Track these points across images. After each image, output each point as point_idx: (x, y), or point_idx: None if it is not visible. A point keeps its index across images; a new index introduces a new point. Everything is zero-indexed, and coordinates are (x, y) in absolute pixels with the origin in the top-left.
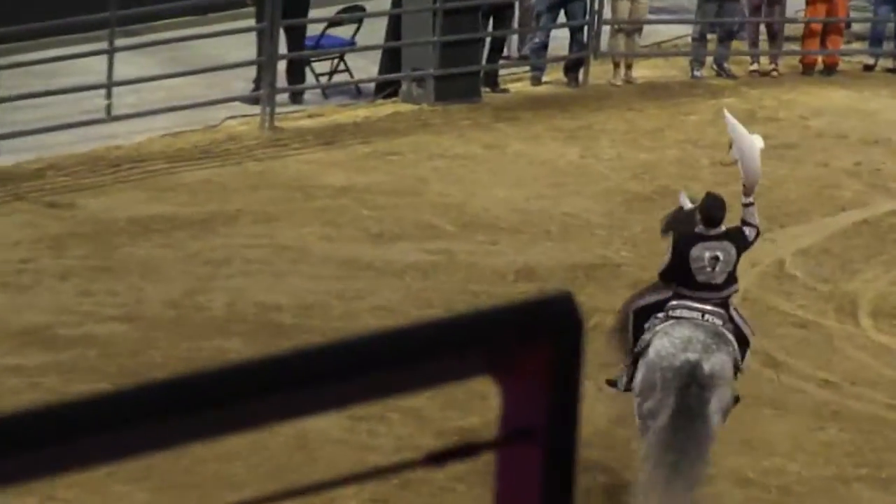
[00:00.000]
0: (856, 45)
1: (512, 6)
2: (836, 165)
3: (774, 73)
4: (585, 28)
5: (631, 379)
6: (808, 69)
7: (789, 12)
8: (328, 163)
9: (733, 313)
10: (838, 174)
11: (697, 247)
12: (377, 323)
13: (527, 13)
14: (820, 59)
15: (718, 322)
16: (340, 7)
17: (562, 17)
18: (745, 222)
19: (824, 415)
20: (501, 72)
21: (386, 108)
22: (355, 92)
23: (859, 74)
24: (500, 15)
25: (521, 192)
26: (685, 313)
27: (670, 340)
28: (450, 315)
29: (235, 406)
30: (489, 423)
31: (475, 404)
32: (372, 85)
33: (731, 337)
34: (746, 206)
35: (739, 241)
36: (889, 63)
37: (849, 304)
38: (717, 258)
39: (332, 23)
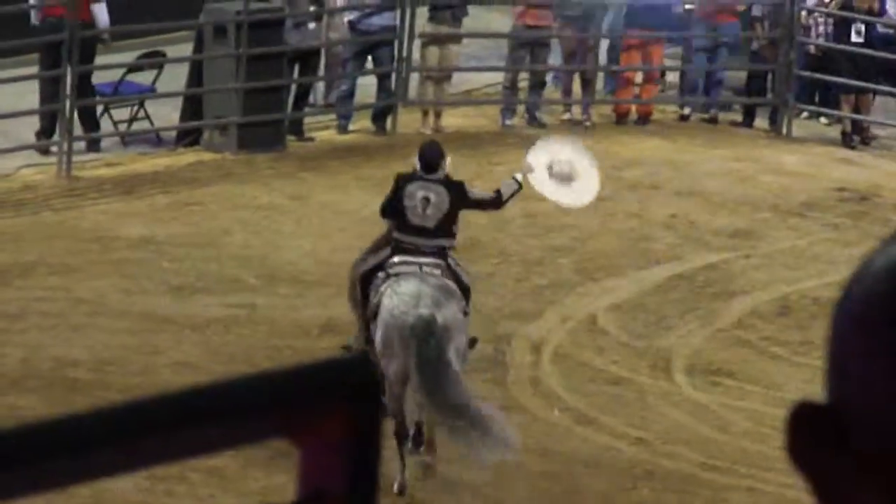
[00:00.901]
0: (670, 94)
1: (318, 53)
2: (649, 217)
3: (587, 123)
4: (393, 75)
5: (367, 340)
6: (621, 119)
7: (602, 60)
8: (127, 213)
9: (451, 263)
10: (652, 226)
11: (413, 184)
12: (177, 378)
13: (333, 60)
14: (634, 108)
15: (437, 273)
16: (140, 52)
17: (369, 64)
18: (496, 191)
19: (637, 474)
20: (307, 120)
21: (187, 156)
22: (156, 140)
23: (673, 124)
24: (306, 61)
25: (327, 243)
26: (404, 269)
27: (400, 299)
28: (246, 374)
29: (28, 468)
30: (293, 482)
31: (278, 463)
32: (173, 133)
33: (454, 286)
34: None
35: (456, 191)
36: (704, 113)
37: (663, 361)
38: (428, 199)
39: (132, 68)
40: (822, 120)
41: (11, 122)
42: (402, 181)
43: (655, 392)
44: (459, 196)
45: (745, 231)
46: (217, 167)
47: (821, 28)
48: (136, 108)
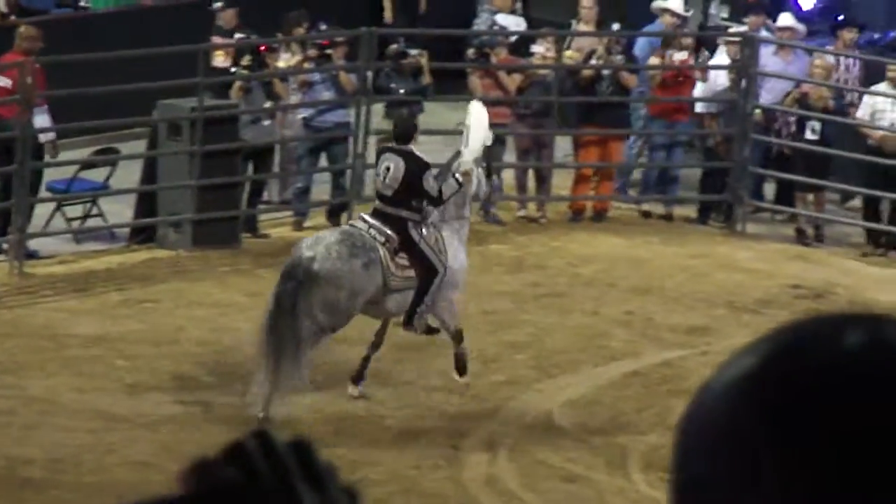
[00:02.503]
0: (632, 192)
1: (272, 149)
2: (606, 314)
3: (543, 220)
4: (349, 172)
5: None
6: (577, 215)
7: (558, 157)
8: (80, 311)
9: (417, 238)
10: (608, 323)
11: (383, 154)
12: (131, 477)
13: (288, 156)
14: (590, 204)
15: (379, 237)
16: (94, 149)
17: (324, 161)
18: (439, 190)
19: None
20: (262, 217)
21: (141, 253)
22: (109, 237)
23: (630, 221)
24: (261, 158)
25: None
26: (355, 223)
27: (308, 239)
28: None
29: None
30: None
31: None
32: (126, 230)
33: (382, 251)
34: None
35: (413, 167)
36: (661, 209)
37: (619, 458)
38: (388, 168)
39: (85, 165)
40: (777, 217)
41: None
42: (379, 150)
43: (612, 489)
44: (414, 174)
45: (701, 328)
46: (171, 264)
47: (784, 127)
48: (89, 205)
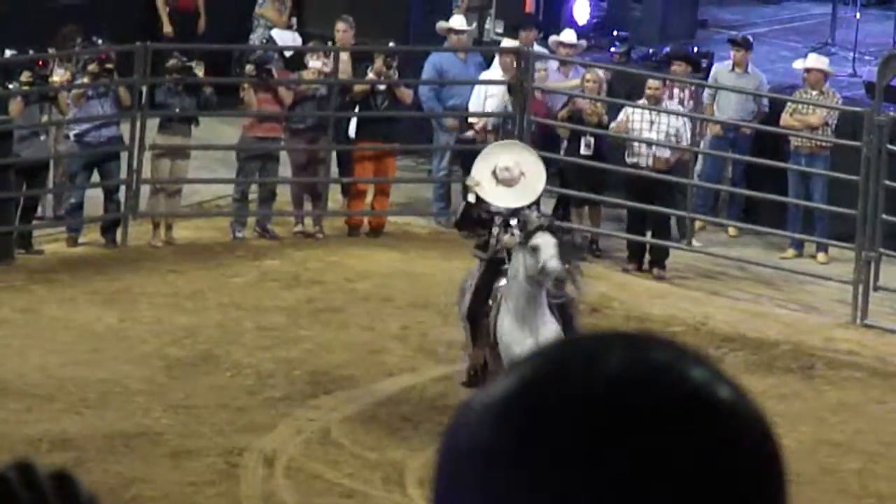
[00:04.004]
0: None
1: (47, 165)
2: (382, 329)
3: (319, 235)
4: (123, 187)
5: None
6: (353, 230)
7: (333, 172)
8: None
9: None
10: (385, 338)
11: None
12: None
13: (63, 172)
14: (366, 220)
15: None
16: None
17: (98, 176)
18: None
19: None
20: (36, 232)
21: None
22: None
23: (406, 236)
24: (34, 174)
25: (57, 357)
26: None
27: None
28: None
29: None
30: None
31: None
32: None
33: None
34: None
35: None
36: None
37: (396, 473)
38: None
39: None
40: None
41: None
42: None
43: None
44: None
45: None
46: None
47: (564, 143)
48: None
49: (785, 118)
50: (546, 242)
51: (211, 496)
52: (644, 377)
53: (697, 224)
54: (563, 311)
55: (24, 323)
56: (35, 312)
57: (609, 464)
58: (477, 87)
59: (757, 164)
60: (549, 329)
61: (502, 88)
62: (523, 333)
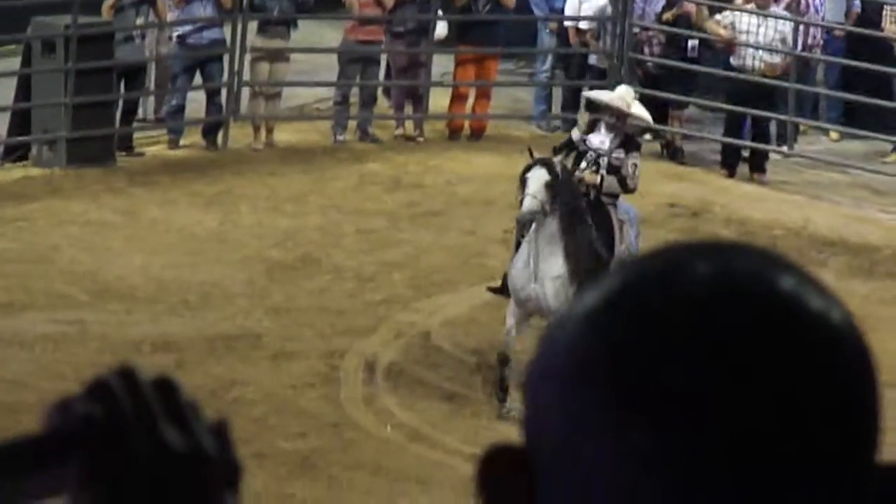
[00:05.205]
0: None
1: (145, 68)
2: (483, 233)
3: (420, 139)
4: (224, 90)
5: None
6: (454, 134)
7: (436, 75)
8: None
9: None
10: (485, 242)
11: None
12: (6, 398)
13: (164, 74)
14: (467, 123)
15: None
16: None
17: (200, 79)
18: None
19: (471, 491)
20: (137, 135)
21: (15, 172)
22: None
23: (506, 139)
24: (134, 76)
25: (158, 259)
26: None
27: None
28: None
29: None
30: None
31: None
32: (0, 148)
33: None
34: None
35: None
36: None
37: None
38: None
39: None
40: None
41: None
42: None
43: (489, 408)
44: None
45: None
46: (45, 183)
47: (655, 47)
48: None
49: (888, 26)
50: (534, 176)
51: (312, 399)
52: (729, 286)
53: (800, 128)
54: (605, 222)
55: (124, 225)
56: (136, 215)
57: (692, 373)
58: None
59: (854, 68)
60: (551, 265)
61: None
62: (528, 270)
